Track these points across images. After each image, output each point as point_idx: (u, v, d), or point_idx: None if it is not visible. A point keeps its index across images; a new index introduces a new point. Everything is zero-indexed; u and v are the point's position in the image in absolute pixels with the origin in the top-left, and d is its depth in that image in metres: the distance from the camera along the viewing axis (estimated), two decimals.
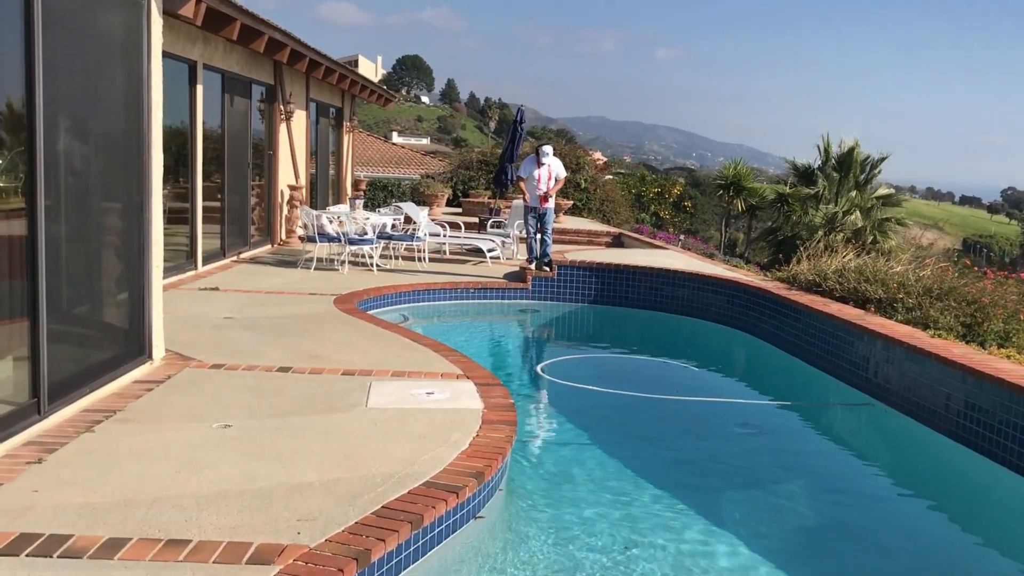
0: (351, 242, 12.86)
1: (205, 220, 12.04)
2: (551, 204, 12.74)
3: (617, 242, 18.25)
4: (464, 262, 14.38)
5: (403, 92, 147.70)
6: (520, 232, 15.29)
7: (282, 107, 15.14)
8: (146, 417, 5.61)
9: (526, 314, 12.25)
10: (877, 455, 7.71)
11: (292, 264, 13.10)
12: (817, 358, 9.37)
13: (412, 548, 4.25)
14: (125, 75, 6.22)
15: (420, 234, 14.03)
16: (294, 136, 15.90)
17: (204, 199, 11.96)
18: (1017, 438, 6.39)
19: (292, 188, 15.57)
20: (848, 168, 26.94)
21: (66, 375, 5.52)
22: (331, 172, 20.03)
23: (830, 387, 8.98)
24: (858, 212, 26.44)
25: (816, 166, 27.96)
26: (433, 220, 16.59)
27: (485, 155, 27.43)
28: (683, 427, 8.01)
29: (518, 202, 16.46)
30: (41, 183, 5.02)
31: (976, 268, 10.01)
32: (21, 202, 4.99)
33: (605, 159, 52.16)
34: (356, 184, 22.43)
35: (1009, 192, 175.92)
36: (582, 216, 23.79)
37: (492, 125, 54.88)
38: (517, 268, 13.28)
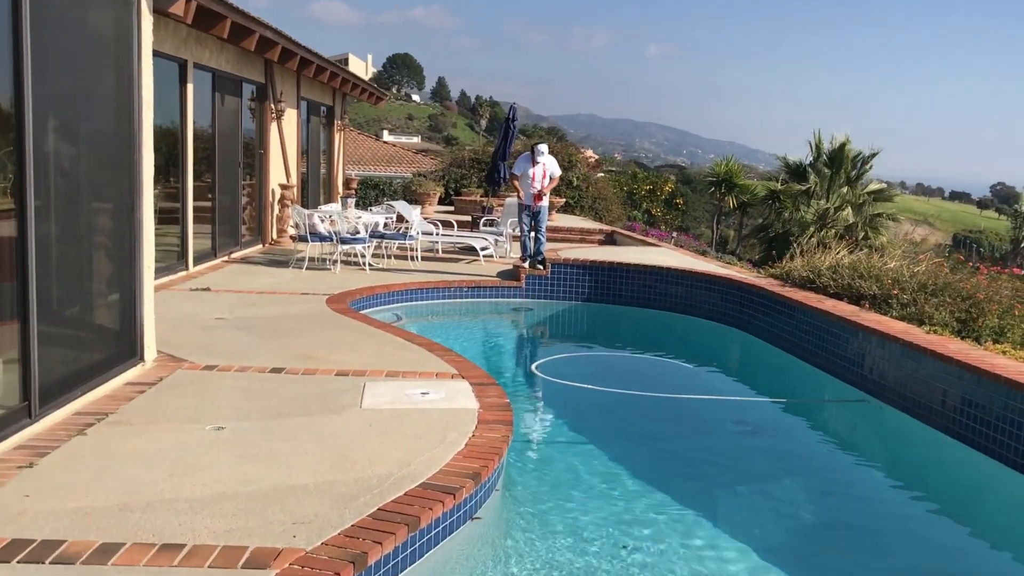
0: (343, 241, 12.80)
1: (196, 220, 11.96)
2: (545, 202, 12.71)
3: (610, 240, 18.22)
4: (457, 260, 14.33)
5: (394, 90, 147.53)
6: (513, 230, 15.25)
7: (273, 106, 15.06)
8: (138, 420, 5.55)
9: (520, 313, 12.21)
10: (873, 451, 7.70)
11: (284, 264, 13.03)
12: (812, 355, 9.36)
13: (409, 550, 4.21)
14: (115, 74, 6.15)
15: (413, 233, 13.97)
16: (285, 135, 15.82)
17: (195, 199, 11.89)
18: (1014, 434, 6.38)
19: (283, 187, 15.49)
20: (839, 164, 26.96)
21: (57, 378, 5.46)
22: (322, 171, 19.96)
23: (825, 384, 8.96)
24: (850, 208, 26.47)
25: (807, 162, 27.99)
26: (425, 219, 16.53)
27: (477, 153, 27.39)
28: (678, 425, 7.98)
29: (511, 200, 16.42)
30: (31, 183, 4.96)
31: (971, 264, 10.01)
32: (10, 203, 4.93)
33: (596, 157, 52.14)
34: (347, 183, 22.35)
35: (998, 187, 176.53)
36: (574, 214, 23.75)
37: (483, 123, 54.78)
38: (510, 266, 13.25)
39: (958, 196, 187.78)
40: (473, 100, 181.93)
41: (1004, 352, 7.31)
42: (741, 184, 28.94)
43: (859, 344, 8.45)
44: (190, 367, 6.85)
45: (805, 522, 6.04)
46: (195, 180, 11.89)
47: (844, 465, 7.34)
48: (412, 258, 13.78)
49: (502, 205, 17.47)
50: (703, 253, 16.38)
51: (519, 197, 12.92)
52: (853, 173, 27.16)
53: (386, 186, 26.17)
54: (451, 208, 22.25)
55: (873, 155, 27.16)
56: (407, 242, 13.85)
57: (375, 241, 13.48)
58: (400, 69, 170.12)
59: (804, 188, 27.04)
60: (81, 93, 5.83)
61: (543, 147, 12.79)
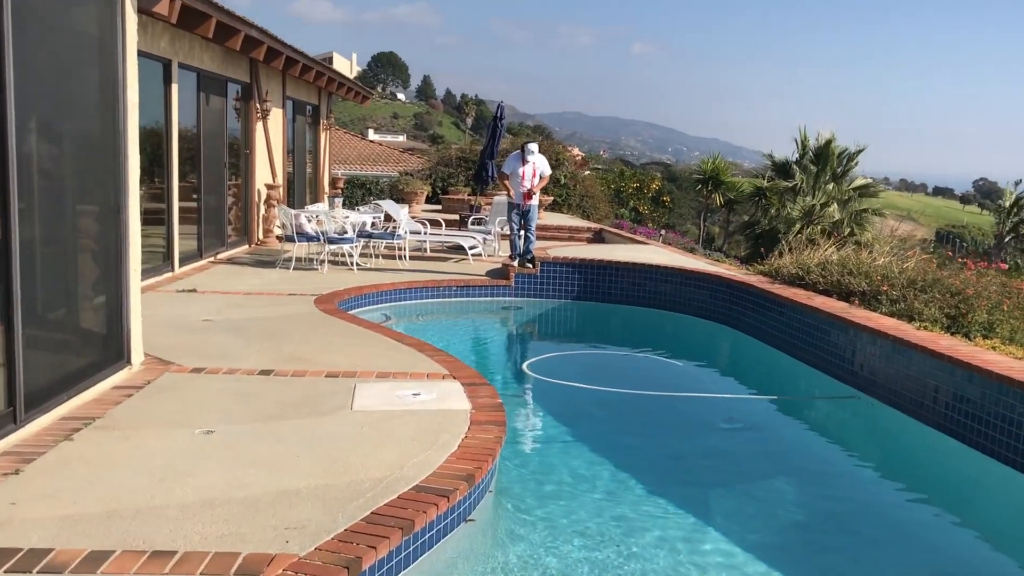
0: (331, 241, 12.73)
1: (181, 221, 11.87)
2: (535, 201, 12.67)
3: (598, 238, 18.21)
4: (445, 260, 14.28)
5: (379, 89, 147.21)
6: (501, 229, 15.20)
7: (258, 105, 14.96)
8: (126, 424, 5.48)
9: (509, 311, 12.17)
10: (864, 447, 7.70)
11: (270, 264, 12.95)
12: (802, 351, 9.36)
13: (403, 554, 4.16)
14: (100, 74, 6.08)
15: (401, 232, 13.91)
16: (271, 134, 15.73)
17: (180, 199, 11.79)
18: (1005, 429, 6.39)
19: (269, 187, 15.39)
20: (825, 161, 27.05)
21: (43, 382, 5.38)
22: (308, 171, 19.85)
23: (815, 380, 8.97)
24: (835, 204, 26.56)
25: (793, 159, 28.06)
26: (413, 218, 16.47)
27: (464, 152, 27.35)
28: (669, 423, 7.96)
29: (499, 198, 16.37)
30: (14, 185, 4.88)
31: (960, 260, 10.03)
32: None
33: (583, 155, 52.21)
34: (334, 182, 22.25)
35: (980, 183, 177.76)
36: (562, 212, 23.74)
37: (469, 121, 54.77)
38: (500, 265, 13.20)
39: (941, 192, 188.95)
40: (459, 98, 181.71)
41: (994, 348, 7.32)
42: (727, 181, 29.01)
43: (849, 340, 8.45)
44: (178, 370, 6.78)
45: (797, 519, 6.02)
46: (180, 180, 11.79)
47: (835, 461, 7.33)
48: (400, 257, 13.71)
49: (490, 204, 17.42)
50: (691, 250, 16.39)
51: (509, 196, 12.88)
52: (839, 169, 27.26)
53: (373, 185, 26.08)
54: (439, 207, 22.18)
55: (859, 151, 27.27)
56: (395, 241, 13.78)
57: (362, 241, 13.41)
58: (385, 68, 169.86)
59: (790, 185, 27.12)
60: (65, 94, 5.75)
61: (533, 146, 12.75)
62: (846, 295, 9.37)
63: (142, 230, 6.67)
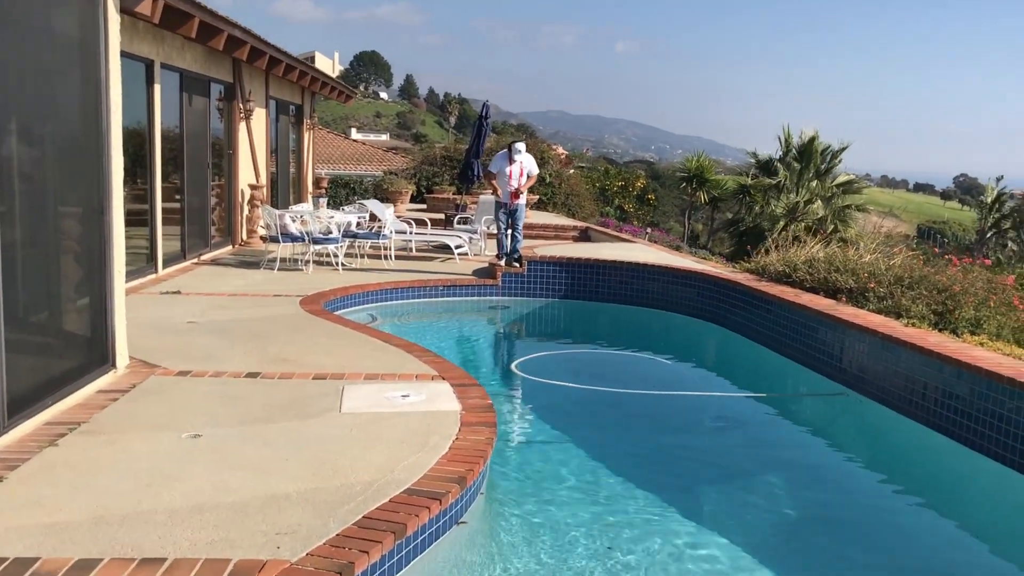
0: (315, 241, 12.65)
1: (165, 222, 11.77)
2: (523, 200, 12.64)
3: (584, 236, 18.20)
4: (431, 259, 14.22)
5: (361, 88, 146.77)
6: (488, 228, 15.16)
7: (241, 105, 14.86)
8: (112, 428, 5.41)
9: (497, 311, 12.13)
10: (853, 444, 7.71)
11: (254, 265, 12.86)
12: (790, 349, 9.36)
13: (396, 558, 4.12)
14: (82, 75, 5.99)
15: (386, 232, 13.84)
16: (254, 135, 15.63)
17: (163, 200, 11.69)
18: (994, 425, 6.40)
19: (253, 187, 15.30)
20: (809, 158, 27.19)
21: (26, 387, 5.30)
22: (292, 170, 19.74)
23: (803, 378, 8.98)
24: (819, 201, 26.68)
25: (777, 157, 28.17)
26: (399, 217, 16.40)
27: (449, 151, 27.28)
28: (659, 422, 7.96)
29: (485, 197, 16.33)
30: None
31: (946, 256, 10.06)
32: None
33: (566, 153, 52.22)
34: (317, 182, 22.15)
35: (961, 179, 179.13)
36: (547, 211, 23.73)
37: (452, 120, 54.72)
38: (486, 264, 13.16)
39: (922, 188, 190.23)
40: (442, 97, 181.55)
41: (982, 344, 7.34)
42: (712, 179, 29.08)
43: (837, 338, 8.46)
44: (163, 373, 6.70)
45: (787, 517, 6.03)
46: (163, 181, 11.69)
47: (824, 459, 7.34)
48: (386, 257, 13.64)
49: (476, 203, 17.37)
50: (677, 248, 16.41)
51: (496, 195, 12.84)
52: (822, 167, 27.39)
53: (357, 185, 25.97)
54: (423, 206, 22.12)
55: (842, 149, 27.42)
56: (380, 241, 13.71)
57: (347, 241, 13.33)
58: (367, 67, 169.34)
59: (774, 182, 27.21)
60: (46, 95, 5.66)
61: (520, 145, 12.72)
62: (833, 292, 9.39)
63: (125, 232, 6.58)
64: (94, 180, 6.14)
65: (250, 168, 15.64)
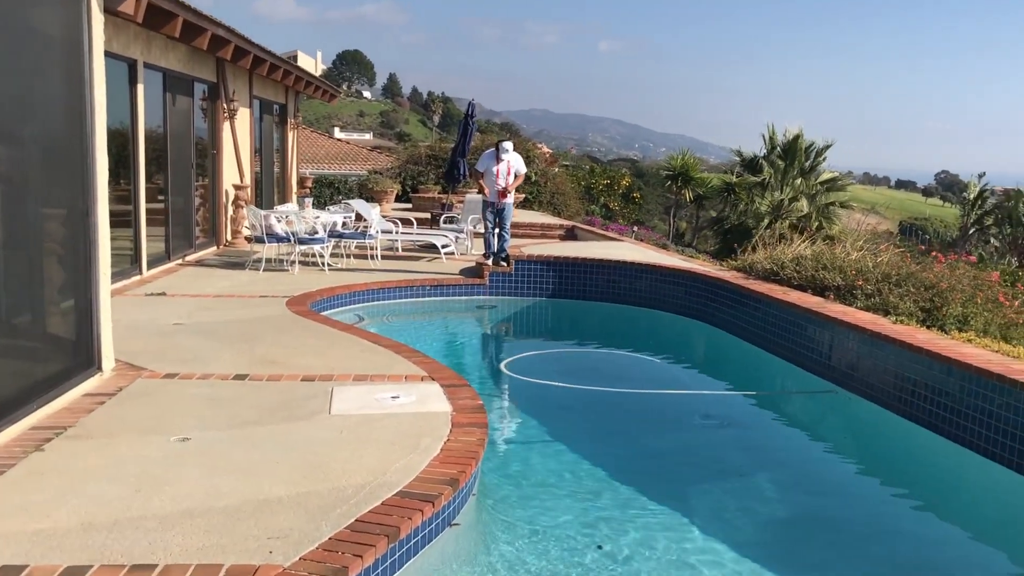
0: (301, 241, 12.58)
1: (149, 223, 11.67)
2: (510, 199, 12.60)
3: (570, 235, 18.18)
4: (418, 259, 14.17)
5: (344, 87, 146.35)
6: (474, 227, 15.12)
7: (225, 105, 14.75)
8: (99, 433, 5.34)
9: (484, 310, 12.09)
10: (842, 442, 7.73)
11: (240, 266, 12.77)
12: (778, 346, 9.37)
13: (389, 562, 4.08)
14: (65, 75, 5.91)
15: (373, 231, 13.77)
16: (238, 134, 15.52)
17: (147, 201, 11.59)
18: (983, 422, 6.42)
19: (237, 188, 15.20)
20: (793, 156, 27.28)
21: (11, 392, 5.23)
22: (276, 170, 19.64)
23: (792, 375, 8.98)
24: (803, 199, 26.78)
25: (762, 155, 28.25)
26: (384, 217, 16.32)
27: (434, 150, 27.21)
28: (648, 420, 7.95)
29: (471, 196, 16.29)
30: None
31: (933, 253, 10.11)
32: None
33: (550, 151, 52.22)
34: (302, 182, 22.04)
35: (942, 175, 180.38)
36: (532, 209, 23.70)
37: (436, 119, 54.56)
38: (473, 264, 13.12)
39: (904, 184, 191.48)
40: (425, 96, 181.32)
41: (970, 340, 7.36)
42: (697, 177, 29.12)
43: (826, 335, 8.47)
44: (150, 375, 6.63)
45: (777, 515, 6.03)
46: (147, 182, 11.59)
47: (814, 456, 7.35)
48: (372, 257, 13.58)
49: (462, 202, 17.32)
50: (664, 247, 16.42)
51: (484, 194, 12.79)
52: (807, 164, 27.49)
53: (341, 184, 25.86)
54: (409, 205, 22.04)
55: (827, 147, 27.55)
56: (367, 241, 13.65)
57: (333, 241, 13.27)
58: (350, 66, 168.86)
59: (759, 180, 27.29)
60: (29, 95, 5.58)
61: (508, 144, 12.68)
62: (821, 290, 9.40)
63: (109, 233, 6.51)
64: (78, 181, 6.07)
65: (234, 168, 15.54)
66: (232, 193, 15.15)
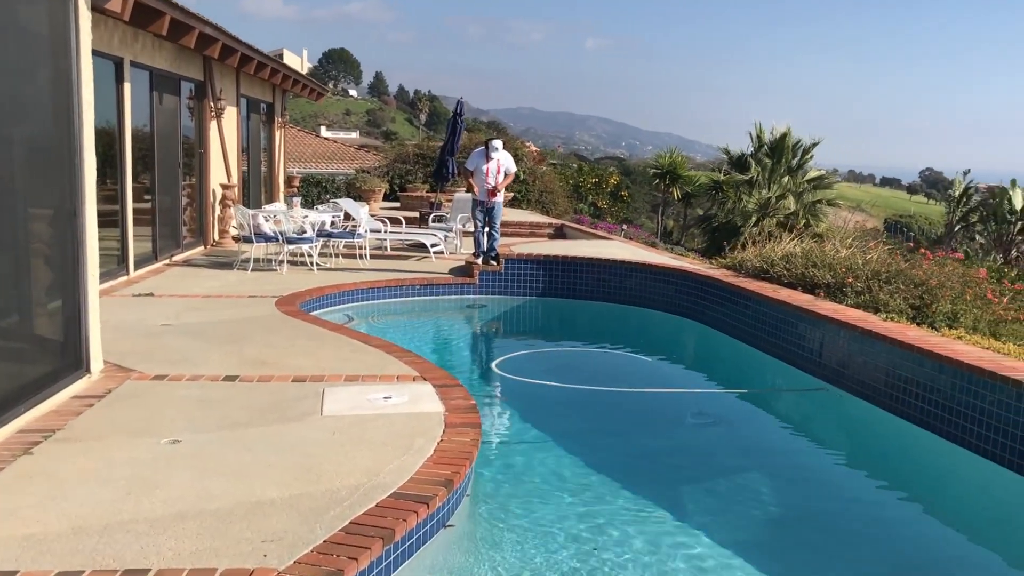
0: (289, 241, 12.51)
1: (135, 223, 11.58)
2: (500, 198, 12.57)
3: (559, 233, 18.17)
4: (406, 258, 14.11)
5: (331, 86, 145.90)
6: (463, 226, 15.08)
7: (212, 104, 14.67)
8: (88, 435, 5.29)
9: (474, 309, 12.05)
10: (834, 439, 7.73)
11: (227, 266, 12.69)
12: (768, 344, 9.38)
13: (384, 564, 4.05)
14: (52, 74, 5.84)
15: (361, 231, 13.71)
16: (225, 133, 15.43)
17: (134, 201, 11.50)
18: (975, 418, 6.44)
19: (224, 187, 15.11)
20: (780, 154, 27.34)
21: None
22: (263, 169, 19.54)
23: (783, 373, 8.99)
24: (791, 196, 26.85)
25: (749, 153, 28.31)
26: (372, 216, 16.26)
27: (421, 148, 27.12)
28: (639, 419, 7.94)
29: (460, 195, 16.25)
30: None
31: (922, 250, 10.14)
32: None
33: (537, 150, 52.24)
34: (289, 181, 21.94)
35: (927, 173, 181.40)
36: (521, 208, 23.67)
37: (423, 117, 54.42)
38: (463, 263, 13.08)
39: (889, 182, 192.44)
40: (412, 94, 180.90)
41: (960, 337, 7.38)
42: (685, 175, 29.15)
43: (817, 333, 8.48)
44: (139, 377, 6.58)
45: (769, 512, 6.02)
46: (134, 181, 11.50)
47: (806, 454, 7.35)
48: (361, 257, 13.52)
49: (451, 200, 17.28)
50: (653, 245, 16.42)
51: (473, 193, 12.76)
52: (794, 162, 27.56)
53: (328, 183, 25.76)
54: (397, 204, 21.98)
55: (814, 144, 27.61)
56: (355, 240, 13.59)
57: (321, 240, 13.21)
58: (336, 64, 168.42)
59: (747, 178, 27.34)
60: (14, 94, 5.51)
61: (497, 143, 12.66)
62: (811, 287, 9.41)
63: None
64: (66, 181, 6.00)
65: (221, 167, 15.45)
66: (219, 192, 15.06)
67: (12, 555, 3.73)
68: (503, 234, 13.19)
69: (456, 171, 17.88)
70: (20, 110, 5.61)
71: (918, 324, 7.99)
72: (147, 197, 12.25)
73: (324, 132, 77.64)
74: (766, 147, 27.63)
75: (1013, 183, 31.80)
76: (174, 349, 7.52)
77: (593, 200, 30.61)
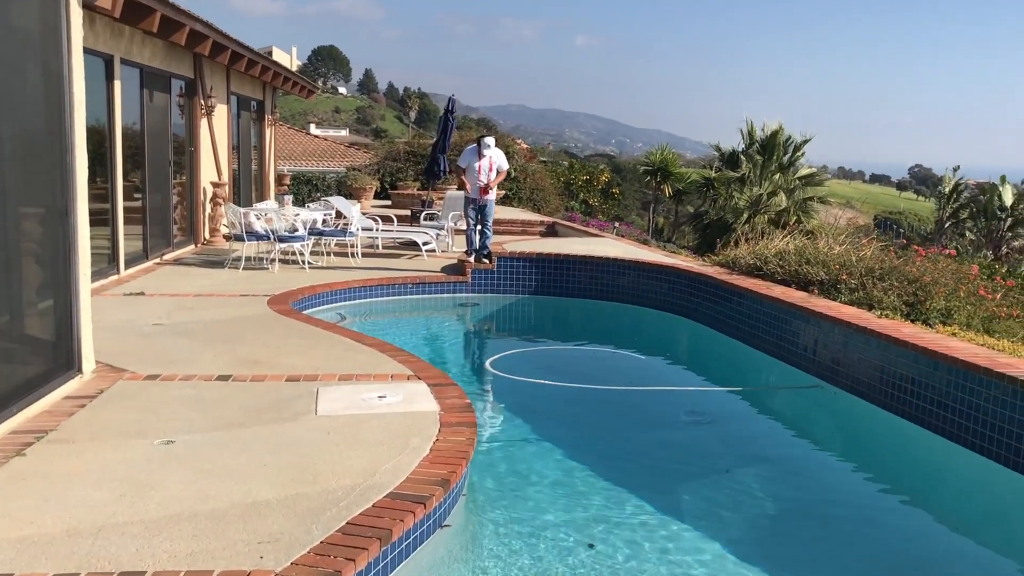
0: (281, 239, 12.45)
1: (126, 221, 11.51)
2: (492, 196, 12.53)
3: (551, 231, 18.14)
4: (398, 256, 14.07)
5: (320, 83, 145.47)
6: (455, 224, 15.04)
7: (203, 101, 14.59)
8: (81, 436, 5.24)
9: (467, 308, 12.02)
10: (829, 437, 7.74)
11: (219, 264, 12.63)
12: (762, 342, 9.38)
13: (381, 565, 4.03)
14: (43, 71, 5.79)
15: (353, 229, 13.66)
16: (216, 131, 15.36)
17: (124, 199, 11.43)
18: (970, 415, 6.45)
19: (215, 185, 15.03)
20: (772, 151, 27.37)
21: None
22: (254, 167, 19.46)
23: (777, 370, 8.99)
24: (782, 193, 26.90)
25: (740, 150, 28.33)
26: (364, 214, 16.20)
27: (412, 146, 27.05)
28: (633, 418, 7.94)
29: (452, 193, 16.20)
30: None
31: (915, 247, 10.15)
32: None
33: (527, 147, 52.19)
34: (280, 179, 21.85)
35: (916, 169, 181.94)
36: (512, 205, 23.64)
37: (413, 115, 54.23)
38: (455, 261, 13.05)
39: (878, 179, 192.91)
40: (401, 92, 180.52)
41: (954, 334, 7.39)
42: (676, 172, 29.15)
43: (811, 330, 8.48)
44: (131, 377, 6.53)
45: (764, 510, 6.02)
46: (124, 180, 11.43)
47: (800, 451, 7.35)
48: (352, 255, 13.48)
49: (442, 198, 17.23)
50: (645, 242, 16.41)
51: (466, 190, 12.72)
52: (785, 159, 27.60)
53: (319, 181, 25.67)
54: (388, 202, 21.92)
55: (805, 141, 27.65)
56: (347, 239, 13.54)
57: (313, 239, 13.16)
58: (326, 61, 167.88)
59: (739, 175, 27.37)
60: (5, 91, 5.45)
61: (490, 140, 12.62)
62: (804, 284, 9.42)
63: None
64: (58, 180, 5.95)
65: (212, 165, 15.37)
66: (210, 191, 14.98)
67: (7, 558, 3.69)
68: (495, 232, 13.16)
69: (448, 169, 17.83)
70: (10, 107, 5.55)
71: (912, 321, 8.00)
72: (137, 195, 12.18)
73: (314, 130, 77.39)
74: (757, 144, 27.67)
75: (1003, 179, 31.94)
76: (166, 349, 7.48)
77: (584, 198, 30.60)
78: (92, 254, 6.60)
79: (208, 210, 15.03)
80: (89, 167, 6.35)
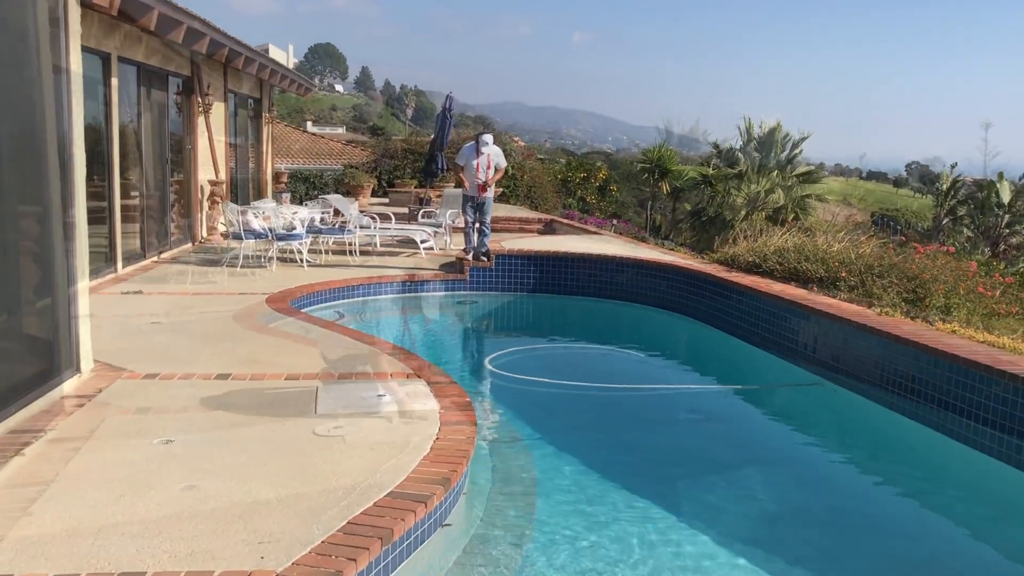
0: (279, 238, 12.42)
1: (123, 219, 11.48)
2: (490, 194, 12.51)
3: (549, 228, 18.12)
4: (396, 254, 14.05)
5: (317, 81, 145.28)
6: (453, 221, 15.02)
7: (200, 99, 14.55)
8: (80, 436, 5.22)
9: (466, 306, 12.00)
10: (829, 434, 7.73)
11: (216, 263, 12.60)
12: (762, 339, 9.37)
13: (383, 564, 4.01)
14: (40, 69, 5.75)
15: (351, 227, 13.64)
16: (213, 129, 15.32)
17: (122, 197, 11.40)
18: (971, 412, 6.44)
19: (212, 183, 15.00)
20: (770, 148, 27.37)
21: None
22: (251, 165, 19.42)
23: (777, 368, 8.98)
24: (780, 191, 26.89)
25: (738, 147, 28.33)
26: (362, 212, 16.17)
27: (409, 143, 26.99)
28: (633, 416, 7.93)
29: (449, 190, 16.18)
30: None
31: (914, 245, 10.15)
32: None
33: (524, 144, 52.14)
34: (277, 177, 21.81)
35: (913, 166, 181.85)
36: (510, 203, 23.60)
37: (409, 112, 54.12)
38: (453, 259, 13.03)
39: (875, 176, 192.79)
40: (398, 89, 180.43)
41: (954, 331, 7.39)
42: (674, 169, 29.12)
43: (811, 327, 8.47)
44: (130, 376, 6.51)
45: (764, 509, 6.01)
46: (121, 178, 11.40)
47: (800, 449, 7.34)
48: (350, 253, 13.46)
49: (440, 196, 17.21)
50: (643, 240, 16.39)
51: (464, 188, 12.69)
52: (783, 156, 27.60)
53: (316, 179, 25.63)
54: (386, 200, 21.88)
55: (803, 139, 27.69)
56: (345, 237, 13.52)
57: (311, 237, 13.13)
58: (322, 59, 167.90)
59: (737, 172, 27.36)
60: (2, 89, 5.43)
61: (488, 137, 12.61)
62: (804, 281, 9.41)
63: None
64: (56, 179, 5.91)
65: (209, 163, 15.33)
66: (208, 189, 14.95)
67: (7, 558, 3.67)
68: (492, 230, 13.14)
69: (446, 166, 17.80)
70: (7, 106, 5.52)
71: (912, 318, 7.99)
72: (135, 194, 12.15)
73: (310, 127, 77.28)
74: (755, 141, 27.66)
75: (1000, 176, 31.96)
76: (165, 347, 7.46)
77: (582, 195, 30.55)
78: (90, 252, 6.58)
79: (206, 208, 15.00)
80: (86, 165, 6.33)
